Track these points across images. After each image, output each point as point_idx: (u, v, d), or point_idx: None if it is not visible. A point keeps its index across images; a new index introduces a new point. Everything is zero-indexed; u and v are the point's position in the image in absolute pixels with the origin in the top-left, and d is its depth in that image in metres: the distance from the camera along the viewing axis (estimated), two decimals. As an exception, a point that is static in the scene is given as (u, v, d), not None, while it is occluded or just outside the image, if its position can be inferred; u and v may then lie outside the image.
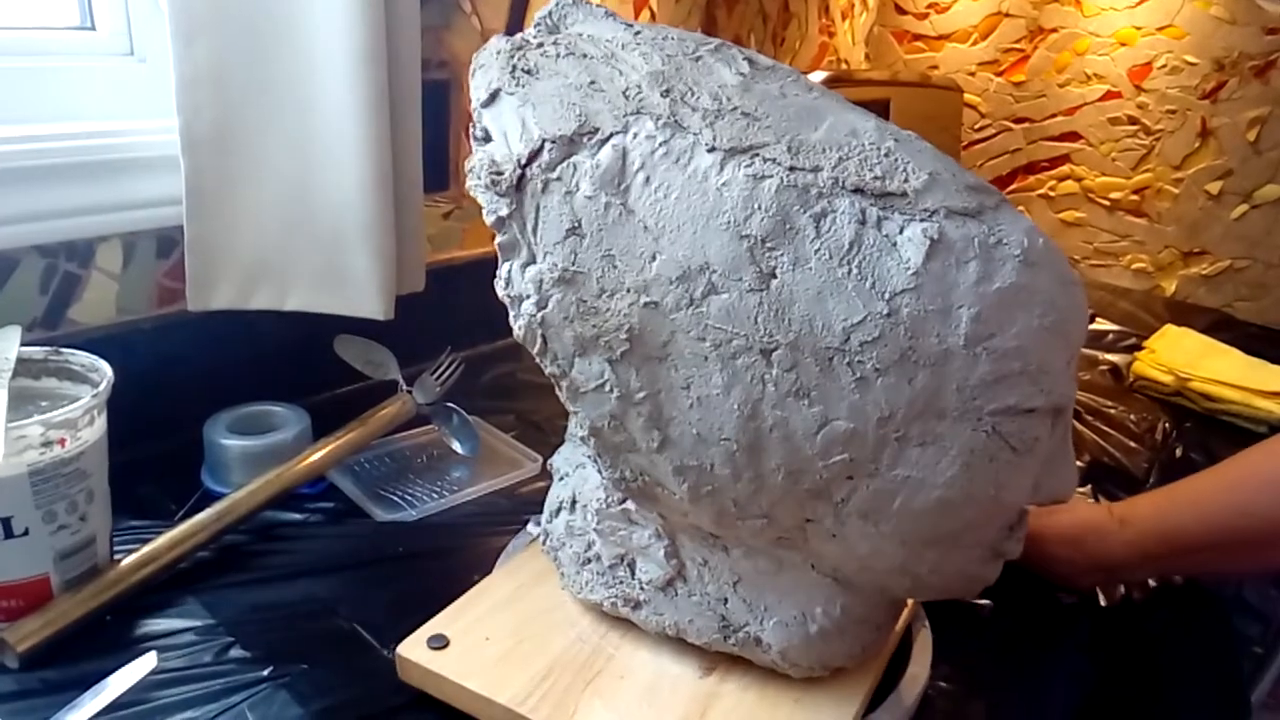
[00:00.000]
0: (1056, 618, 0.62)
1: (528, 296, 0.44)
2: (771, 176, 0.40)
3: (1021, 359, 0.40)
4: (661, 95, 0.43)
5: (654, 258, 0.41)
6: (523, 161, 0.43)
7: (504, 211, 0.44)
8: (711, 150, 0.41)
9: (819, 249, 0.40)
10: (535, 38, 0.47)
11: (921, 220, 0.39)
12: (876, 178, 0.40)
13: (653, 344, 0.42)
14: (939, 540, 0.44)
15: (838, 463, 0.41)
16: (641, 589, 0.52)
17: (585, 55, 0.45)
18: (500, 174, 0.44)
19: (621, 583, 0.52)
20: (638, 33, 0.46)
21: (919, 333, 0.39)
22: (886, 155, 0.41)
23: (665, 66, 0.44)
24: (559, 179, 0.43)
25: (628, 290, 0.42)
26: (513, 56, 0.46)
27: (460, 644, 0.51)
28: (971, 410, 0.40)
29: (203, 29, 0.67)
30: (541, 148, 0.43)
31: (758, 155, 0.41)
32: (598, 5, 0.48)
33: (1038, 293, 0.40)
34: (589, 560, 0.54)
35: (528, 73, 0.45)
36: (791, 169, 0.40)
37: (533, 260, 0.44)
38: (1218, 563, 0.59)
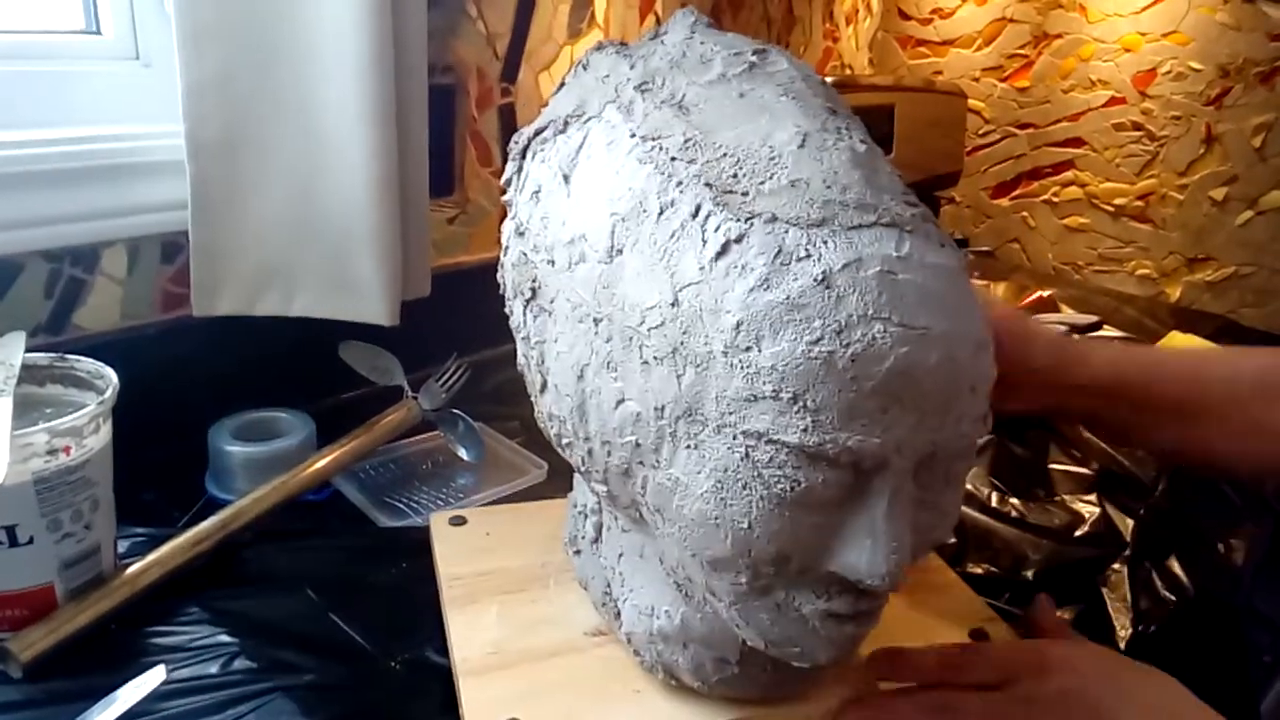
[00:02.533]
0: (1073, 617, 0.62)
1: (502, 245, 0.51)
2: (650, 163, 0.41)
3: (775, 383, 0.36)
4: (635, 89, 0.44)
5: (564, 223, 0.45)
6: (531, 136, 0.49)
7: (509, 173, 0.51)
8: (632, 136, 0.43)
9: (653, 233, 0.40)
10: (622, 42, 0.50)
11: (737, 220, 0.38)
12: (733, 176, 0.39)
13: (545, 297, 0.47)
14: (717, 565, 0.41)
15: (628, 444, 0.42)
16: (583, 538, 0.55)
17: (627, 55, 0.47)
18: (516, 144, 0.51)
19: (579, 528, 0.56)
20: (690, 36, 0.46)
21: (691, 329, 0.38)
22: (772, 160, 0.39)
23: (664, 63, 0.45)
24: (544, 150, 0.48)
25: (546, 248, 0.46)
26: (586, 54, 0.51)
27: (470, 529, 0.62)
28: (728, 425, 0.38)
29: (209, 34, 0.67)
30: (547, 125, 0.48)
31: (657, 144, 0.41)
32: (694, 17, 0.48)
33: (821, 318, 0.36)
34: (576, 503, 0.58)
35: (584, 68, 0.50)
36: (673, 159, 0.41)
37: (514, 216, 0.50)
38: (1152, 425, 0.55)
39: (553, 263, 0.45)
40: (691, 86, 0.43)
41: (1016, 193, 1.48)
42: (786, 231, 0.37)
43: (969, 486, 0.76)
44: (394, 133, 0.71)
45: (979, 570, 0.67)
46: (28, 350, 0.56)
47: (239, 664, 0.52)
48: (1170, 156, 1.31)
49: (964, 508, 0.74)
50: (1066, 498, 0.76)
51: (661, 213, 0.40)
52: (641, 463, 0.42)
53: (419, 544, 0.65)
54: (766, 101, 0.42)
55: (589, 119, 0.46)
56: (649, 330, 0.40)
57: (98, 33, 0.75)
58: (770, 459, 0.37)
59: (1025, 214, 1.48)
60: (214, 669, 0.51)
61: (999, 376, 0.50)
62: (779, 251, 0.37)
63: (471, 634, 0.53)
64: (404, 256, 0.76)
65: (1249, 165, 1.25)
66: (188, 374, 0.74)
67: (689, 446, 0.39)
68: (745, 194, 0.38)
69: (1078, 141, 1.40)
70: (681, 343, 0.39)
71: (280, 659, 0.53)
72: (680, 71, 0.44)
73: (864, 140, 0.41)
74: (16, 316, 0.68)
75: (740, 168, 0.39)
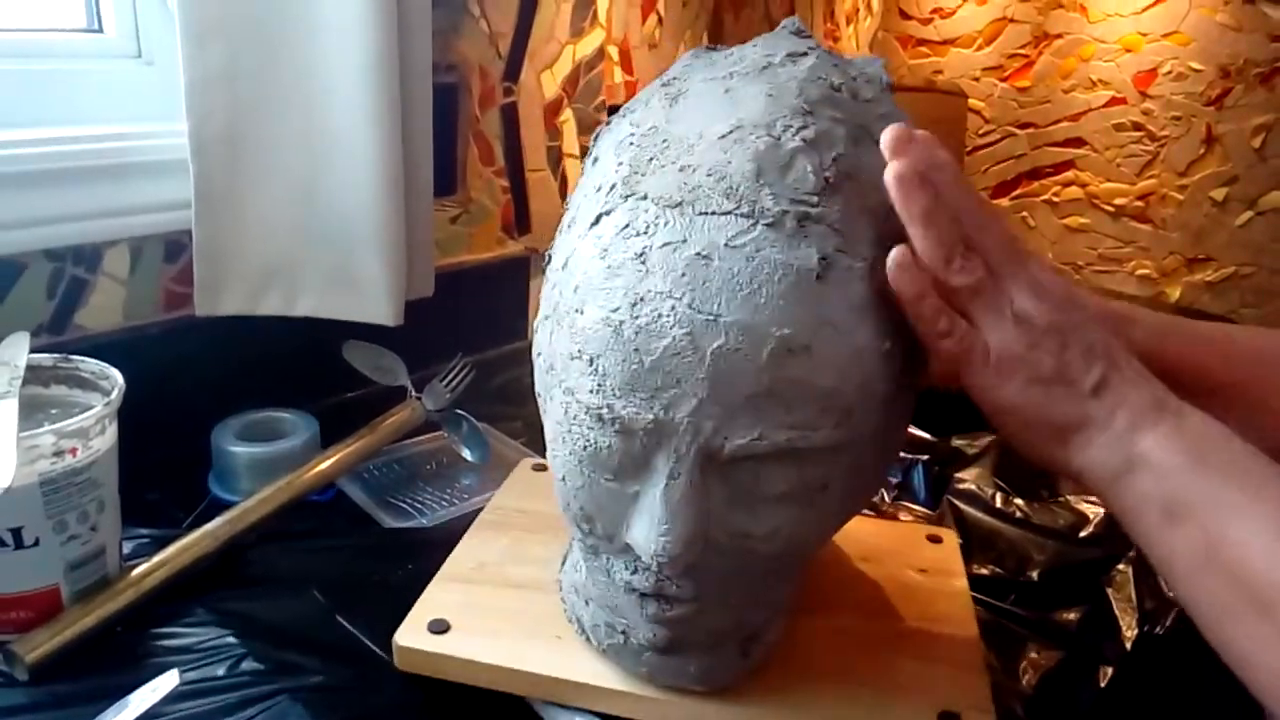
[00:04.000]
0: (1078, 618, 0.62)
1: None
2: (617, 146, 0.44)
3: (582, 344, 0.40)
4: (662, 85, 0.46)
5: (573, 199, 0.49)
6: (604, 124, 0.51)
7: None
8: (629, 125, 0.45)
9: (587, 206, 0.44)
10: (712, 45, 0.51)
11: (621, 195, 0.41)
12: (649, 159, 0.41)
13: (558, 261, 0.48)
14: (564, 515, 0.46)
15: (539, 393, 0.47)
16: None
17: (696, 56, 0.48)
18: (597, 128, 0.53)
19: None
20: (757, 43, 0.47)
21: (563, 292, 0.43)
22: (690, 147, 0.40)
23: (704, 62, 0.46)
24: (602, 137, 0.50)
25: (564, 219, 0.50)
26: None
27: (545, 476, 0.68)
28: (562, 381, 0.42)
29: (213, 32, 0.66)
30: (614, 115, 0.50)
31: (634, 131, 0.44)
32: (785, 24, 0.48)
33: (625, 289, 0.39)
34: None
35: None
36: (631, 144, 0.43)
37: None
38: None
39: (568, 228, 0.50)
40: (699, 82, 0.44)
41: (1017, 192, 1.48)
42: (646, 209, 0.39)
43: (973, 487, 0.76)
44: (399, 131, 0.71)
45: (985, 571, 0.67)
46: (31, 351, 0.56)
47: (246, 666, 0.52)
48: (1170, 157, 1.31)
49: (968, 508, 0.74)
50: (1070, 498, 0.76)
51: (599, 189, 0.43)
52: (544, 411, 0.47)
53: (424, 545, 0.65)
54: (743, 96, 0.42)
55: (633, 110, 0.48)
56: (552, 287, 0.45)
57: (99, 31, 0.74)
58: (575, 415, 0.41)
59: (1025, 214, 1.48)
60: (221, 671, 0.51)
61: None
62: (626, 225, 0.39)
63: (473, 551, 0.59)
64: (408, 256, 0.76)
65: (1249, 166, 1.25)
66: (190, 374, 0.74)
67: (550, 399, 0.44)
68: (643, 175, 0.41)
69: (1078, 141, 1.40)
70: (556, 304, 0.43)
71: (287, 661, 0.52)
72: (707, 68, 0.45)
73: (810, 140, 0.39)
74: (19, 316, 0.67)
75: (663, 153, 0.41)
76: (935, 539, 0.64)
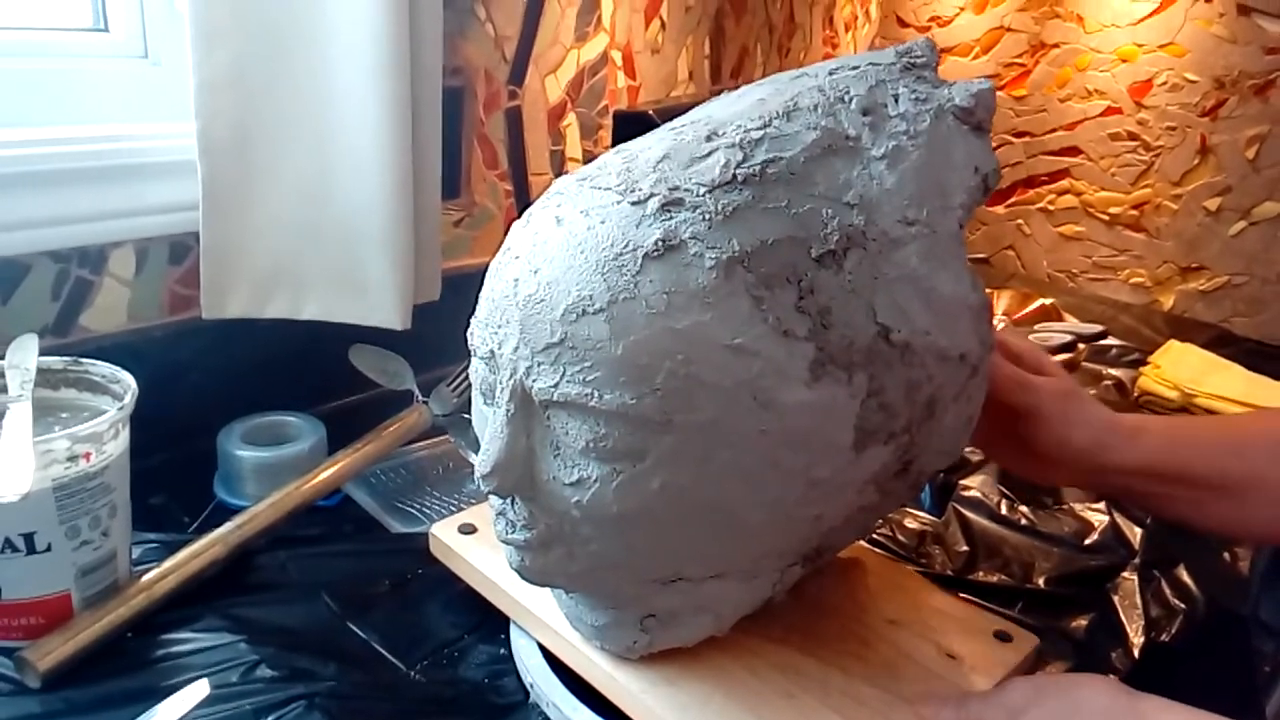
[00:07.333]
0: (1081, 635, 0.62)
1: None
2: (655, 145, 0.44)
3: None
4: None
5: None
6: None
7: None
8: None
9: None
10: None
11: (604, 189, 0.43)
12: (665, 156, 0.43)
13: None
14: None
15: None
16: None
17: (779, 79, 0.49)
18: None
19: None
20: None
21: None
22: (699, 160, 0.42)
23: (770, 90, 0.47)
24: None
25: None
26: None
27: None
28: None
29: (223, 33, 0.66)
30: None
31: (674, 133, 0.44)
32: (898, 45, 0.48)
33: (507, 241, 0.44)
34: None
35: None
36: (668, 141, 0.44)
37: None
38: (1197, 503, 0.53)
39: None
40: (753, 87, 0.47)
41: (1012, 200, 1.49)
42: (612, 200, 0.40)
43: (978, 494, 0.77)
44: (409, 134, 0.71)
45: (992, 579, 0.68)
46: (40, 354, 0.55)
47: (260, 672, 0.51)
48: (1165, 166, 1.33)
49: (973, 515, 0.74)
50: (1075, 505, 0.77)
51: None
52: None
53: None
54: (774, 106, 0.43)
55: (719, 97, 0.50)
56: None
57: (105, 30, 0.74)
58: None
59: (1020, 221, 1.49)
60: (235, 678, 0.50)
61: (1039, 450, 0.51)
62: (596, 210, 0.41)
63: None
64: (415, 260, 0.75)
65: (1242, 176, 1.26)
66: (196, 377, 0.74)
67: None
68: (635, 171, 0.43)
69: (1074, 150, 1.41)
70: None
71: (300, 667, 0.52)
72: (770, 80, 0.47)
73: (752, 140, 0.40)
74: (23, 318, 0.67)
75: (676, 155, 0.42)
76: (1004, 636, 0.55)
